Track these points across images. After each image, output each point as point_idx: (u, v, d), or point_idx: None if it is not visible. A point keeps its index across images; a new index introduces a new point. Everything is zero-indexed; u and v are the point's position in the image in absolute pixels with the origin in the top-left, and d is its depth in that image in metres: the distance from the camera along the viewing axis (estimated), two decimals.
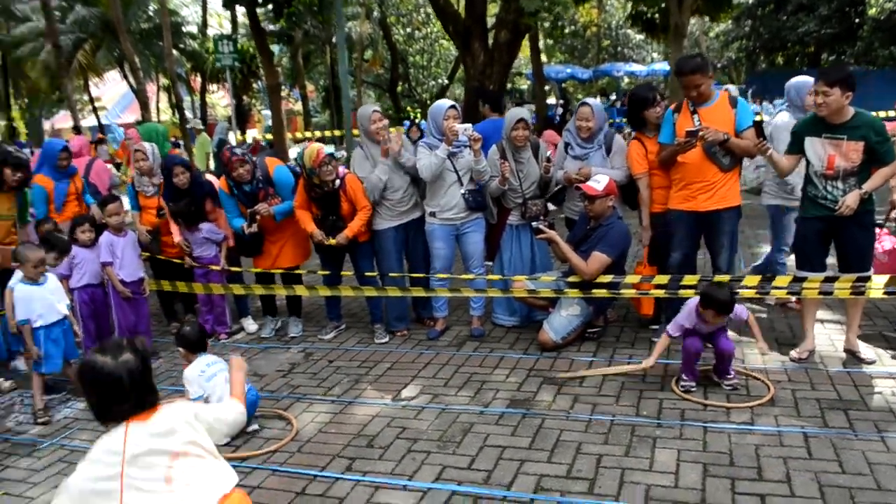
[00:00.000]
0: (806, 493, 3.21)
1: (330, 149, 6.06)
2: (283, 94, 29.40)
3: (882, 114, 14.94)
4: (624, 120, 15.00)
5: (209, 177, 6.27)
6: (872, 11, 27.91)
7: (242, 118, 28.14)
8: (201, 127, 16.19)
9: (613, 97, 28.49)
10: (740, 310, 4.36)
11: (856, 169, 4.35)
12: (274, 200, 5.60)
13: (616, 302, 5.60)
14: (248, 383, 4.40)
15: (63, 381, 5.13)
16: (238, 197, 5.60)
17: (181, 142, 17.21)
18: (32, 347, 4.67)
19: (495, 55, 11.70)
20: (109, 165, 10.15)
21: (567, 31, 31.80)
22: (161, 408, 2.29)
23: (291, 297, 5.98)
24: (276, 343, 5.92)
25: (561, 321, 5.17)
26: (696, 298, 4.34)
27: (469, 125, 5.34)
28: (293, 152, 15.71)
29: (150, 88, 29.40)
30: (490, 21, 15.09)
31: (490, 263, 5.93)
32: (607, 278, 4.98)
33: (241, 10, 23.01)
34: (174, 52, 22.46)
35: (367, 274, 5.75)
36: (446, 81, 31.06)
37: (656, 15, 18.51)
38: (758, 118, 11.05)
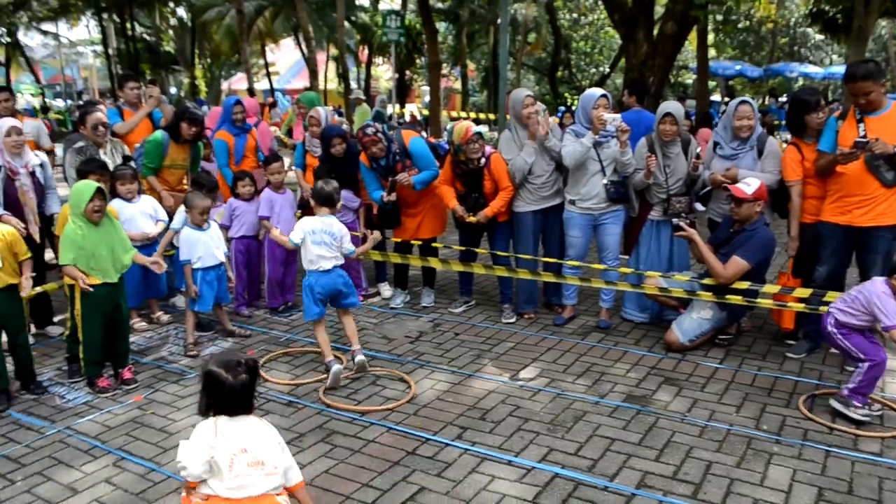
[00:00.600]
0: None
1: (482, 129, 6.18)
2: (444, 71, 29.86)
3: None
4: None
5: None
6: None
7: (403, 93, 28.91)
8: (363, 98, 16.86)
9: (784, 98, 26.63)
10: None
11: None
12: (412, 171, 5.81)
13: (752, 311, 5.40)
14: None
15: (213, 322, 5.63)
16: (377, 170, 5.87)
17: (343, 110, 18.00)
18: (192, 286, 5.16)
19: (659, 47, 11.34)
20: (274, 128, 10.82)
21: (740, 25, 30.02)
22: (251, 417, 2.61)
23: (426, 268, 6.21)
24: (408, 311, 6.18)
25: (691, 323, 5.07)
26: (875, 282, 3.98)
27: (618, 116, 5.31)
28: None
29: (321, 57, 30.91)
30: (658, 12, 14.64)
31: (626, 257, 5.88)
32: (744, 285, 4.82)
33: None
34: (346, 23, 23.45)
35: (501, 254, 5.86)
36: (608, 70, 30.33)
37: (839, 14, 17.12)
38: None
